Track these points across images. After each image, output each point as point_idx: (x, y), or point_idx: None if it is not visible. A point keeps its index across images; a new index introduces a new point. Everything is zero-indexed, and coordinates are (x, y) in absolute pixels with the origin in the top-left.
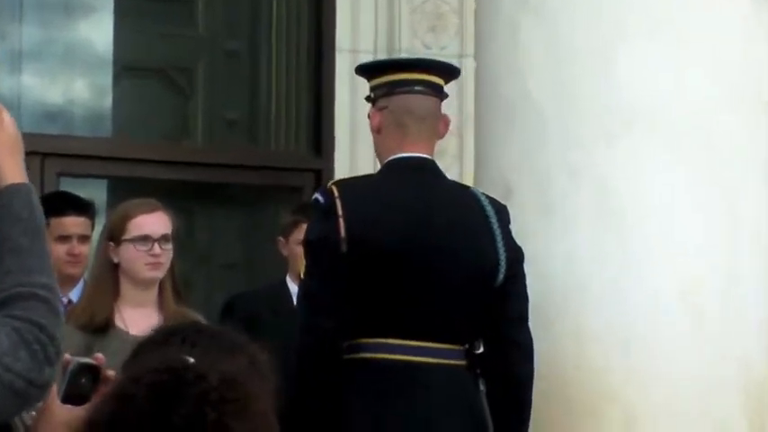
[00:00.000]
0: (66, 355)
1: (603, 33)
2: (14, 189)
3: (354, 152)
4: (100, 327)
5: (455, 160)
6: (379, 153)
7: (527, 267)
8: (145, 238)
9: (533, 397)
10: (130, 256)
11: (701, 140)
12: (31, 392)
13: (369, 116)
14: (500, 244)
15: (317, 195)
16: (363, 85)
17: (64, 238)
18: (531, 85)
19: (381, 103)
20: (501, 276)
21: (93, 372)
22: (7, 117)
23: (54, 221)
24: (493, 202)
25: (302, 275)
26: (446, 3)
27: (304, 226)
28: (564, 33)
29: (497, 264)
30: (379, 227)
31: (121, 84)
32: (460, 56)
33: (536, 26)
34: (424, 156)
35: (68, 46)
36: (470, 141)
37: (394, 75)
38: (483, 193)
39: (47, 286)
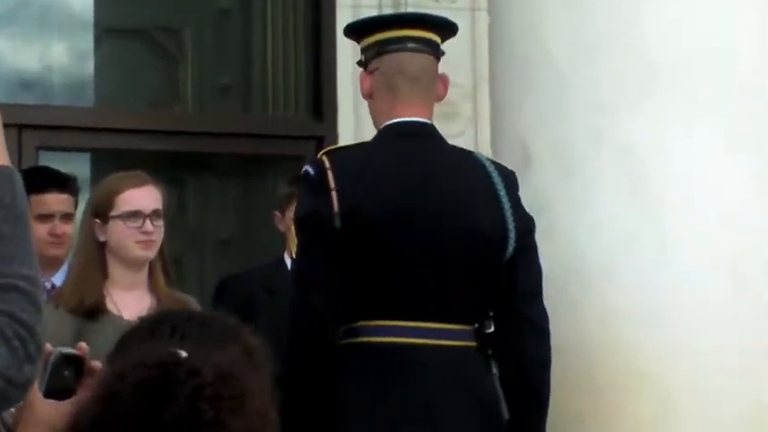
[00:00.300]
0: (48, 346)
1: None
2: None
3: (359, 117)
4: (90, 310)
5: (469, 124)
6: (374, 119)
7: (547, 237)
8: (135, 214)
9: (556, 376)
10: (120, 233)
11: (734, 96)
12: (11, 392)
13: (360, 82)
14: (508, 213)
15: (307, 168)
16: None
17: (45, 217)
18: (549, 42)
19: (372, 65)
20: (510, 248)
21: (77, 363)
22: None
23: (34, 199)
24: (499, 167)
25: (293, 254)
26: None
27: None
28: None
29: (505, 235)
30: (374, 199)
31: (103, 48)
32: (473, 9)
33: None
34: (422, 119)
35: (44, 7)
36: (485, 103)
37: (383, 33)
38: (488, 159)
39: (28, 278)
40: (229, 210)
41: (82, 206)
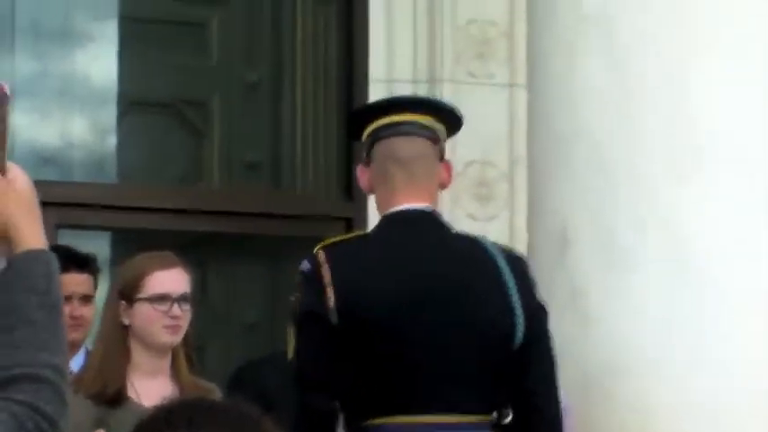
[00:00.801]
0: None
1: (674, 54)
2: (33, 256)
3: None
4: (112, 398)
5: (505, 206)
6: (379, 212)
7: (583, 324)
8: (163, 298)
9: None
10: (147, 317)
11: None
12: None
13: (359, 178)
14: (515, 300)
15: (305, 262)
16: None
17: (64, 299)
18: (589, 119)
19: (368, 157)
20: (519, 337)
21: None
22: (20, 173)
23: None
24: (506, 253)
25: (289, 355)
26: (494, 25)
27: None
28: (628, 54)
29: (513, 323)
30: (370, 294)
31: (126, 122)
32: (511, 86)
33: (597, 49)
34: (421, 206)
35: (65, 79)
36: (522, 185)
37: (377, 121)
38: (494, 243)
39: (57, 368)
40: (255, 293)
41: (101, 287)
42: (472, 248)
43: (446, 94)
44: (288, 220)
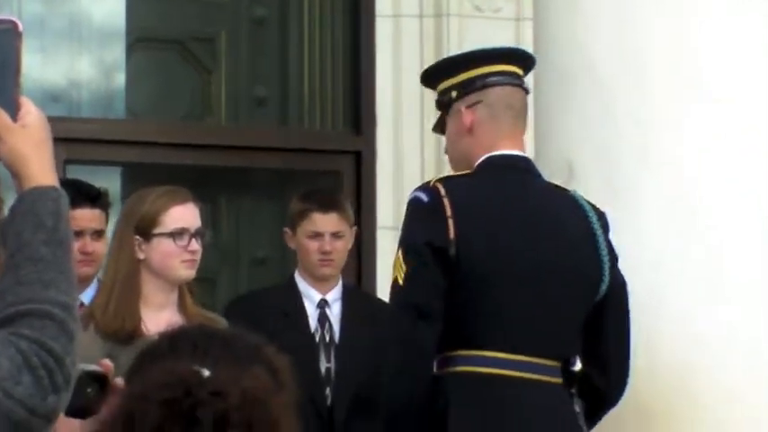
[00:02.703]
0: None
1: None
2: (40, 192)
3: (398, 131)
4: (128, 334)
5: None
6: (465, 153)
7: None
8: (182, 232)
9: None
10: (166, 251)
11: None
12: (33, 422)
13: (440, 122)
14: (604, 253)
15: (419, 194)
16: (408, 55)
17: (75, 234)
18: (594, 54)
19: (470, 98)
20: (604, 287)
21: (100, 380)
22: (33, 110)
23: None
24: (594, 207)
25: (400, 281)
26: None
27: (314, 215)
28: None
29: (601, 275)
30: (489, 231)
31: (134, 58)
32: (517, 19)
33: None
34: (522, 153)
35: (72, 17)
36: (528, 119)
37: (482, 68)
38: (583, 198)
39: (65, 305)
40: (264, 227)
41: (111, 222)
42: (565, 198)
43: (452, 28)
44: (296, 155)
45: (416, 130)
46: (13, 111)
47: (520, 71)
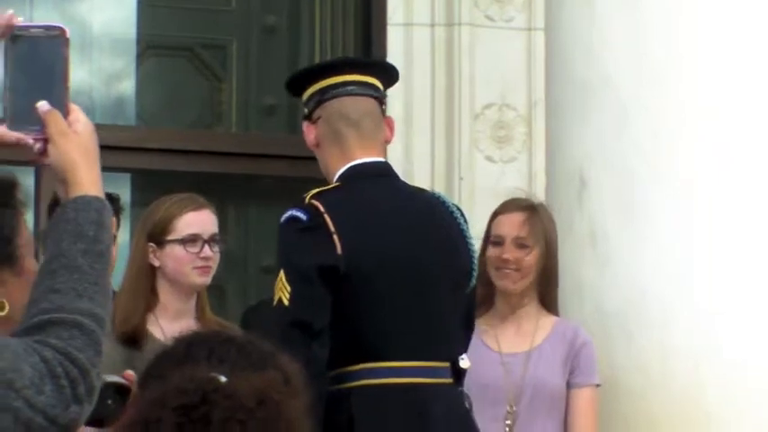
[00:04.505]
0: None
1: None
2: (84, 202)
3: (409, 140)
4: (137, 339)
5: (523, 148)
6: (324, 168)
7: (605, 267)
8: (194, 239)
9: (611, 413)
10: (178, 258)
11: None
12: (52, 431)
13: (305, 134)
14: (473, 249)
15: (295, 213)
16: (419, 65)
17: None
18: (609, 65)
19: (315, 114)
20: (473, 282)
21: (122, 391)
22: (83, 117)
23: None
24: (455, 204)
25: (285, 301)
26: None
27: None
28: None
29: (471, 269)
30: (371, 241)
31: (144, 65)
32: (529, 29)
33: None
34: (381, 159)
35: (84, 23)
36: (540, 127)
37: (323, 81)
38: (444, 195)
39: (96, 317)
40: (273, 235)
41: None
42: (432, 199)
43: (464, 38)
44: (305, 162)
45: (427, 139)
46: (63, 117)
47: (373, 80)
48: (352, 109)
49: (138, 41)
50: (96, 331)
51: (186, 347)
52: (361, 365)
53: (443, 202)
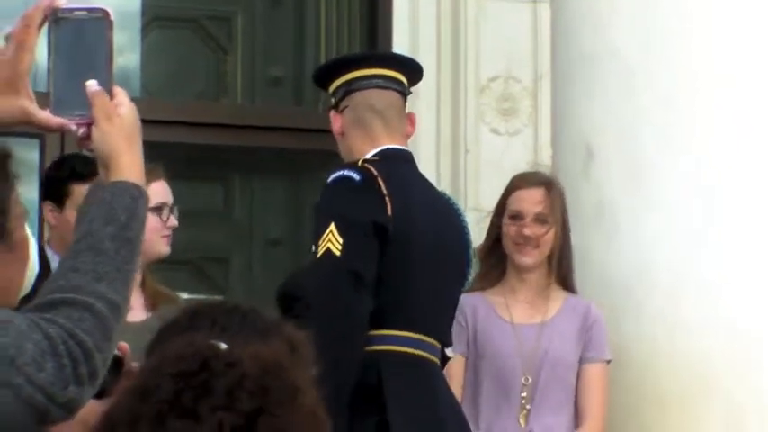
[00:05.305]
0: None
1: None
2: (121, 187)
3: (415, 110)
4: None
5: (529, 121)
6: (346, 155)
7: (612, 238)
8: (160, 208)
9: (619, 385)
10: (149, 227)
11: None
12: (52, 410)
13: (331, 122)
14: (471, 251)
15: (348, 173)
16: (425, 36)
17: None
18: (617, 35)
19: (342, 104)
20: (466, 286)
21: (116, 363)
22: (127, 101)
23: (77, 189)
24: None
25: (335, 252)
26: None
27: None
28: None
29: (468, 273)
30: (411, 212)
31: (150, 37)
32: (534, 1)
33: None
34: (405, 148)
35: None
36: (546, 100)
37: (351, 73)
38: (451, 197)
39: (111, 302)
40: (278, 207)
41: None
42: (447, 198)
43: (470, 10)
44: (311, 135)
45: (433, 111)
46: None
47: (399, 75)
48: (377, 100)
49: (143, 13)
50: (108, 317)
51: (190, 317)
52: (390, 332)
53: (454, 203)
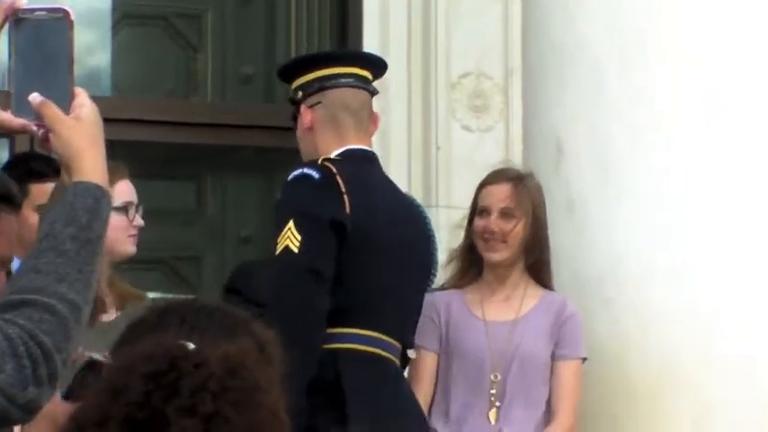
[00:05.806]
0: (79, 349)
1: None
2: (83, 188)
3: (386, 107)
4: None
5: (500, 117)
6: (311, 150)
7: (582, 232)
8: (126, 207)
9: (590, 378)
10: (115, 226)
11: None
12: (12, 412)
13: (294, 117)
14: (436, 253)
15: (308, 171)
16: (396, 30)
17: (44, 207)
18: (587, 30)
19: (312, 99)
20: (433, 283)
21: (99, 368)
22: (88, 102)
23: (35, 188)
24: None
25: (294, 249)
26: None
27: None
28: None
29: (434, 271)
30: (371, 211)
31: (120, 35)
32: None
33: None
34: (368, 148)
35: None
36: (517, 96)
37: (324, 69)
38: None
39: (72, 304)
40: (251, 205)
41: None
42: (412, 200)
43: (440, 4)
44: (282, 132)
45: (404, 108)
46: (67, 102)
47: (366, 73)
48: (352, 100)
49: (113, 11)
50: (68, 318)
51: (159, 316)
52: (349, 330)
53: (419, 205)
